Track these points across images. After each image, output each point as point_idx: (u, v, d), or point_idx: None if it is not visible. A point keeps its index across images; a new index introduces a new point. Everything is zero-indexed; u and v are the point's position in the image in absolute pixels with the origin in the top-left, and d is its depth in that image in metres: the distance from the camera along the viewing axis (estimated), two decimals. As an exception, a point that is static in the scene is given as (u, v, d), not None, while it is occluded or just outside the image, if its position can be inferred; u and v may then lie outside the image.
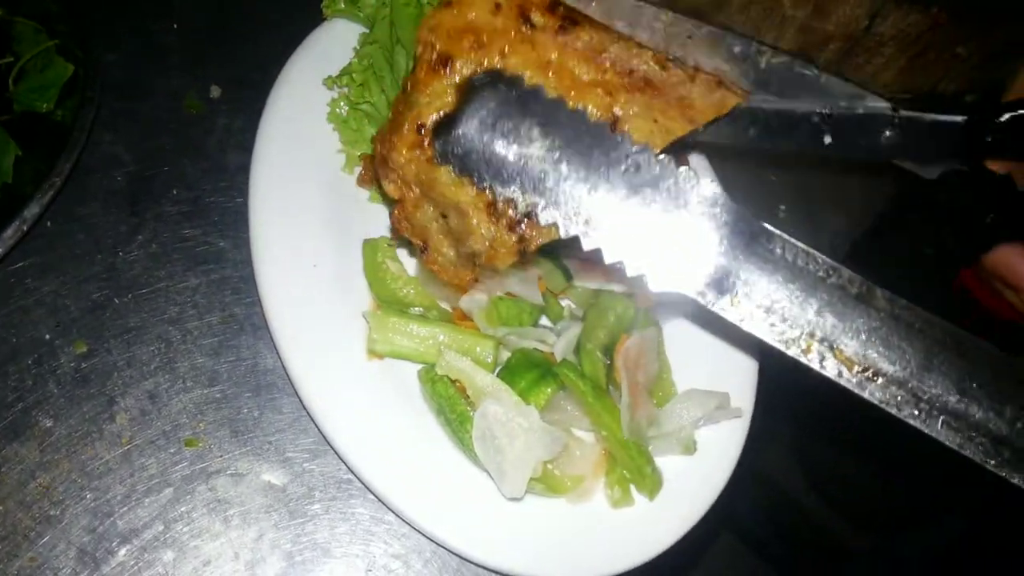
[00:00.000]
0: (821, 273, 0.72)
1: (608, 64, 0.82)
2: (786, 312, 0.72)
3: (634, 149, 0.74)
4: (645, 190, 0.74)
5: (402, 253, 1.07)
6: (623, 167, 0.74)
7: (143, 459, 0.98)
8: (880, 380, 0.70)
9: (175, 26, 1.25)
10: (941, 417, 0.69)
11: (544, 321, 1.10)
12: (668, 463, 1.02)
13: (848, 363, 0.71)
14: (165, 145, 1.17)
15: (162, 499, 0.96)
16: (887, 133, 0.89)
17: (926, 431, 0.70)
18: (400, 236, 0.88)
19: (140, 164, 1.15)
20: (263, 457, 1.01)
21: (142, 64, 1.21)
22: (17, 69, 1.11)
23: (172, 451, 0.99)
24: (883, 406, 0.70)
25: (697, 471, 1.03)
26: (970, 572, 2.12)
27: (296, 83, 1.11)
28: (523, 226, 0.77)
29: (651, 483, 0.99)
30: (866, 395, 0.70)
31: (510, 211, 0.77)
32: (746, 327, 0.73)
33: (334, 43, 1.15)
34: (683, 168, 0.74)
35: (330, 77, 1.11)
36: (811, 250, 0.73)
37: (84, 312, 1.04)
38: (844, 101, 0.90)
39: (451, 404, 0.97)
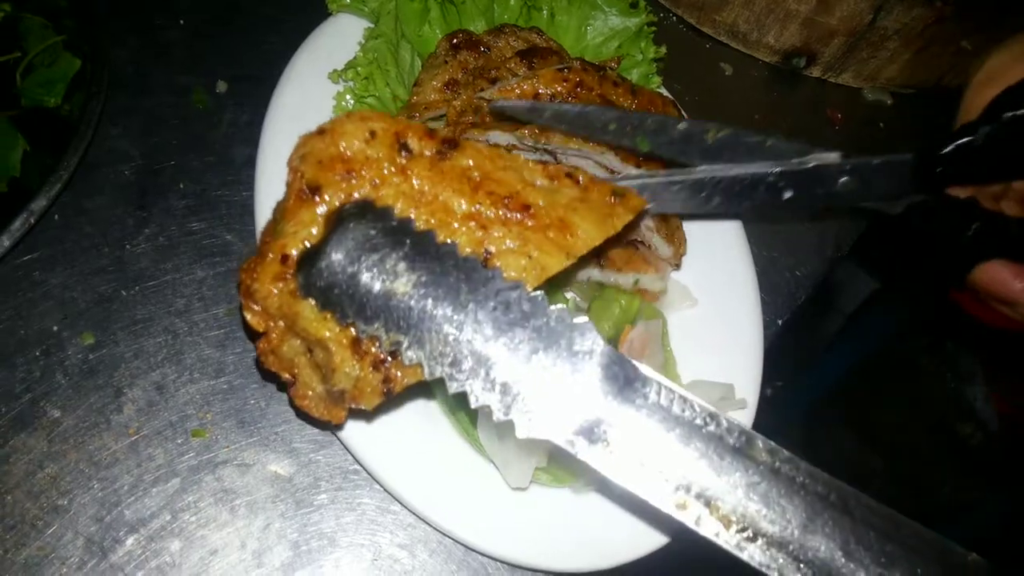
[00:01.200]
0: (699, 421, 0.69)
1: (486, 192, 0.78)
2: (660, 464, 0.68)
3: (505, 286, 0.71)
4: (515, 330, 0.70)
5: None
6: (492, 305, 0.70)
7: (150, 449, 0.98)
8: (760, 541, 0.66)
9: (181, 22, 1.26)
10: None
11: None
12: (673, 454, 1.02)
13: (726, 521, 0.66)
14: (172, 140, 1.18)
15: (169, 489, 0.97)
16: (842, 180, 0.94)
17: None
18: (265, 371, 0.81)
19: (147, 158, 1.15)
20: (270, 447, 1.01)
21: (149, 59, 1.22)
22: (25, 64, 1.12)
23: (179, 441, 0.99)
24: (763, 570, 0.65)
25: (702, 462, 1.03)
26: None
27: (302, 77, 1.12)
28: (387, 365, 0.74)
29: (656, 473, 0.99)
30: (745, 557, 0.66)
31: (374, 349, 0.73)
32: (618, 480, 0.69)
33: (339, 38, 1.15)
34: (555, 307, 0.71)
35: (335, 71, 1.12)
36: (689, 395, 0.70)
37: (91, 304, 1.05)
38: (794, 158, 0.94)
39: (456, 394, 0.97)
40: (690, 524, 0.67)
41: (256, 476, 1.00)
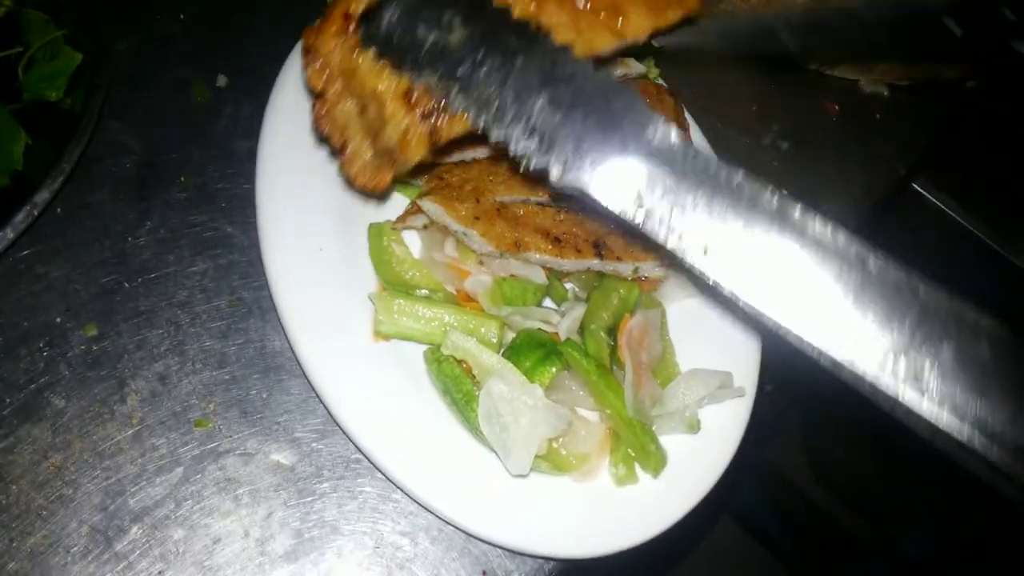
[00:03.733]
0: (723, 177, 0.67)
1: None
2: (690, 220, 0.66)
3: (553, 46, 0.73)
4: (560, 85, 0.71)
5: (407, 236, 1.09)
6: (539, 61, 0.72)
7: (154, 439, 0.99)
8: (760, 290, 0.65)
9: (182, 16, 1.27)
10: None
11: (548, 303, 1.11)
12: (672, 442, 1.03)
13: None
14: (173, 133, 1.18)
15: (173, 478, 0.98)
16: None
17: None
18: (319, 134, 0.87)
19: (148, 151, 1.16)
20: (272, 437, 1.02)
21: (150, 53, 1.23)
22: (26, 59, 1.12)
23: (182, 431, 1.00)
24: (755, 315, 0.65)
25: (701, 449, 1.04)
26: (980, 568, 2.13)
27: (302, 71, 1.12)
28: (435, 115, 0.77)
29: (655, 461, 1.00)
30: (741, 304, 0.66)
31: (425, 99, 0.77)
32: (641, 221, 0.68)
33: (339, 31, 1.16)
34: (603, 73, 0.71)
35: (335, 64, 1.12)
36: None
37: (94, 296, 1.06)
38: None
39: (457, 384, 0.98)
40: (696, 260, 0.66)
41: (259, 465, 1.00)
